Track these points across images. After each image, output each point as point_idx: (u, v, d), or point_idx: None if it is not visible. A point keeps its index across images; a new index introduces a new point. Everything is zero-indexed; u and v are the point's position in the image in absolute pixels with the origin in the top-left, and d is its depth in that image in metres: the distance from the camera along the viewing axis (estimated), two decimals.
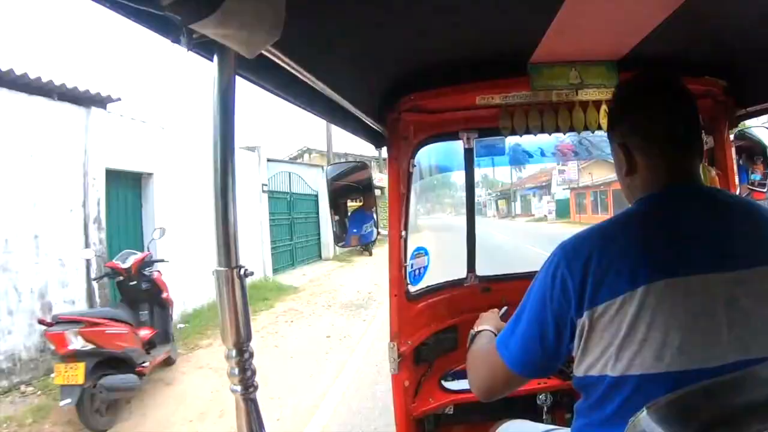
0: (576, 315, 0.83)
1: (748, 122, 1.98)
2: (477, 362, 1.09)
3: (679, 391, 0.67)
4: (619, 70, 1.42)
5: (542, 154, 2.07)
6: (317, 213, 15.74)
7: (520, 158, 2.07)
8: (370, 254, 16.09)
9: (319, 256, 15.62)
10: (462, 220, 2.03)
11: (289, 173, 13.57)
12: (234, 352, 0.80)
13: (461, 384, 1.69)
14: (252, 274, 0.83)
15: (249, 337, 0.80)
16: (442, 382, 1.74)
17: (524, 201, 40.44)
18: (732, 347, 0.77)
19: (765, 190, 1.84)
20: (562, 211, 29.70)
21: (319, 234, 15.81)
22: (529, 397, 1.66)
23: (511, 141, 1.87)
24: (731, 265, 0.80)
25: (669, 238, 0.83)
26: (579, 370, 0.85)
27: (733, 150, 1.78)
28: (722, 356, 0.76)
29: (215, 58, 0.76)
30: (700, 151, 0.94)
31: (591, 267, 0.82)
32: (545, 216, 32.19)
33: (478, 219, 2.12)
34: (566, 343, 0.87)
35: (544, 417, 1.64)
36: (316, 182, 15.49)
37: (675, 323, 0.77)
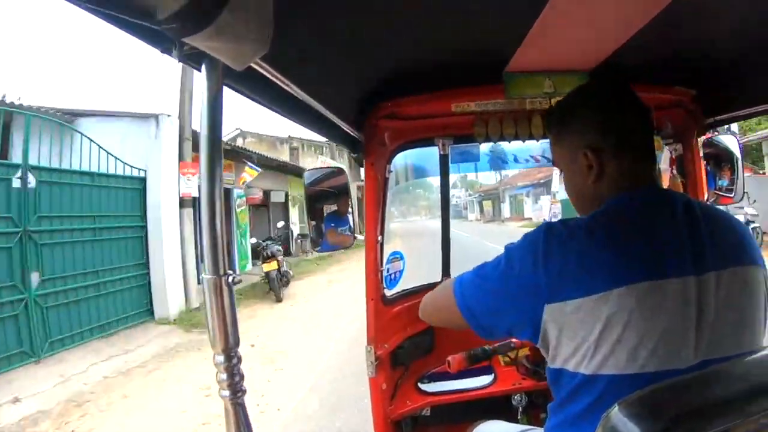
0: (544, 301, 0.85)
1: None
2: (436, 290, 1.15)
3: (648, 388, 0.70)
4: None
5: (516, 160, 2.15)
6: (144, 217, 7.81)
7: (494, 164, 2.14)
8: (278, 300, 9.42)
9: (150, 313, 7.67)
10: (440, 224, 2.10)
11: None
12: (222, 358, 0.84)
13: (438, 386, 1.77)
14: (240, 281, 0.87)
15: (237, 343, 0.85)
16: (419, 384, 1.80)
17: (515, 202, 37.13)
18: (699, 349, 0.81)
19: (732, 196, 1.94)
20: (568, 213, 26.56)
21: (147, 264, 7.77)
22: (505, 398, 1.73)
23: (485, 147, 1.94)
24: (701, 268, 0.83)
25: (645, 241, 0.86)
26: (555, 363, 0.88)
27: (702, 157, 1.88)
28: (690, 357, 0.80)
29: (203, 68, 0.80)
30: (656, 158, 1.00)
31: (572, 258, 0.84)
32: (546, 219, 29.30)
33: (457, 223, 2.19)
34: (513, 318, 0.91)
35: (519, 417, 1.70)
36: (146, 153, 7.83)
37: (651, 325, 0.80)
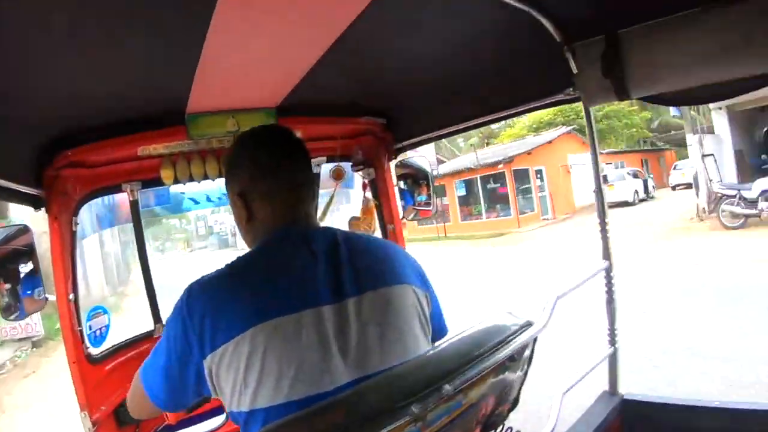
0: (200, 357, 0.89)
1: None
2: (132, 384, 1.12)
3: (283, 420, 0.77)
4: (278, 116, 1.58)
5: (208, 199, 2.19)
6: None
7: (186, 205, 2.11)
8: None
9: None
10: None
11: None
12: None
13: None
14: None
15: None
16: None
17: None
18: (347, 370, 0.88)
19: (430, 208, 2.27)
20: None
21: None
22: None
23: (176, 189, 1.89)
24: (339, 296, 0.92)
25: (281, 279, 0.93)
26: (227, 407, 0.92)
27: (394, 177, 2.16)
28: (339, 379, 0.87)
29: None
30: (314, 197, 1.10)
31: (209, 310, 0.89)
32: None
33: None
34: (192, 382, 0.93)
35: None
36: None
37: (287, 357, 0.86)
